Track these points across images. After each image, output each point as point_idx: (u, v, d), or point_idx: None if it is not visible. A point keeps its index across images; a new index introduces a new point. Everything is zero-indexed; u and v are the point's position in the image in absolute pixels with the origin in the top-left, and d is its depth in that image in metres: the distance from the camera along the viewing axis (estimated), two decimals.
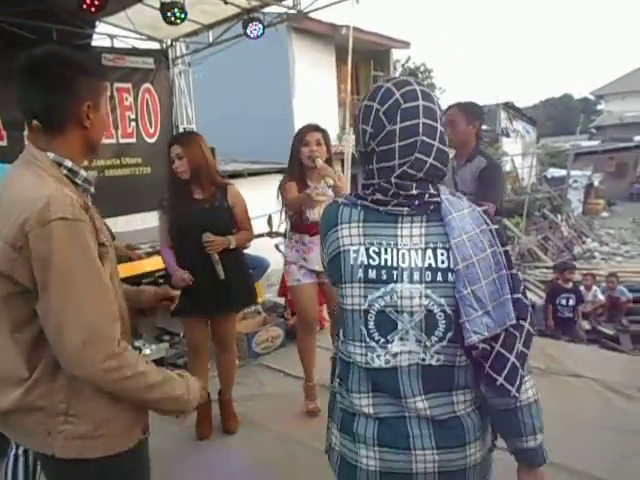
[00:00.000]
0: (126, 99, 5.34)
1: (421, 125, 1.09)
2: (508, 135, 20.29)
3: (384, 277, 1.10)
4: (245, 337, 3.96)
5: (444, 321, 1.09)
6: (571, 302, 6.51)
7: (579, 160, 20.24)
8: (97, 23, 5.14)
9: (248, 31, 4.84)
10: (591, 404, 3.10)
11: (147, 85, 5.53)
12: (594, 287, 7.34)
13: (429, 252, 1.09)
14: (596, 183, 20.67)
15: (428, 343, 1.10)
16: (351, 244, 1.12)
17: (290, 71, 11.70)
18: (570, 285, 6.66)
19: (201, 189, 2.69)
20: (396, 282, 1.09)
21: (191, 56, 5.98)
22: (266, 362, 3.92)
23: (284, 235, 5.71)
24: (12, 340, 1.15)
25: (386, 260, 1.10)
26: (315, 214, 2.85)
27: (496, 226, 1.12)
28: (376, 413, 1.14)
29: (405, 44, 13.82)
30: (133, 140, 5.41)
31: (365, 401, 1.15)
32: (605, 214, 19.11)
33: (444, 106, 2.73)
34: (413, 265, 1.09)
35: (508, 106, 20.93)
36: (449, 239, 1.07)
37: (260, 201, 4.95)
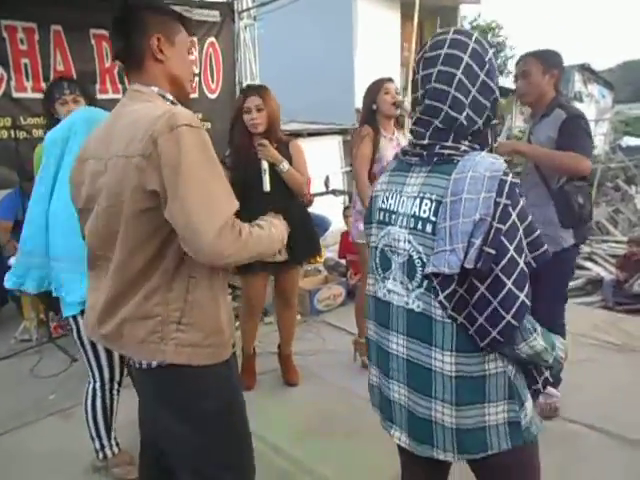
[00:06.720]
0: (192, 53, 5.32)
1: (435, 73, 1.12)
2: (581, 100, 18.92)
3: (386, 219, 1.22)
4: (307, 294, 3.97)
5: (421, 269, 1.14)
6: None
7: None
8: None
9: None
10: None
11: (211, 39, 5.45)
12: None
13: (417, 201, 1.15)
14: None
15: (410, 286, 1.16)
16: (379, 190, 1.27)
17: (353, 29, 11.33)
18: None
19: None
20: (392, 225, 1.20)
21: (257, 10, 5.85)
22: (328, 319, 3.92)
23: (346, 193, 5.66)
24: (132, 256, 1.21)
25: (390, 205, 1.22)
26: (385, 162, 2.77)
27: (514, 180, 1.06)
28: (375, 338, 1.28)
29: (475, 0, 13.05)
30: (195, 95, 5.37)
31: (371, 326, 1.30)
32: None
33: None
34: (404, 211, 1.17)
35: (584, 68, 19.49)
36: (446, 193, 1.07)
37: (318, 162, 4.83)
